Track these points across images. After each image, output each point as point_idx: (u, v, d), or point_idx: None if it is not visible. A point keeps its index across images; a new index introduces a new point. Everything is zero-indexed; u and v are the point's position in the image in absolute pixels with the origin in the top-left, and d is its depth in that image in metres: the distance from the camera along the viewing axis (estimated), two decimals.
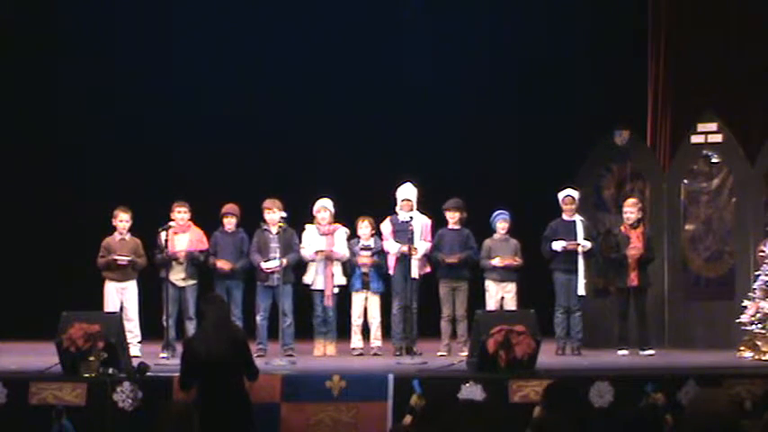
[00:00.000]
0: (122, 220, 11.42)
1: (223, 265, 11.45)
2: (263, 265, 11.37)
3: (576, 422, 6.22)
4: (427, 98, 14.53)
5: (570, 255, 11.67)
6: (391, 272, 11.71)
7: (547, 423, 6.47)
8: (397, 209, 11.73)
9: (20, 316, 13.16)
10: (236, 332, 8.19)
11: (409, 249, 11.11)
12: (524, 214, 12.11)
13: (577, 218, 11.86)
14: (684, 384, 8.82)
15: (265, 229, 11.49)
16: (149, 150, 14.41)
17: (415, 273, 11.40)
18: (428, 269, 11.82)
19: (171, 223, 11.19)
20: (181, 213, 11.47)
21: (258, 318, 11.47)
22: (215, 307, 8.07)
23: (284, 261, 11.15)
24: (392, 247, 11.65)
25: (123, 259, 11.27)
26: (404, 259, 11.42)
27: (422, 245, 11.58)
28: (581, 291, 11.68)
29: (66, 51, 14.57)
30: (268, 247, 11.42)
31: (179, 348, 9.07)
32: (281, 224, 11.20)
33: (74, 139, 14.50)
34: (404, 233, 11.27)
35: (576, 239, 11.70)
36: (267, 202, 11.54)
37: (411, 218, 11.32)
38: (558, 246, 11.67)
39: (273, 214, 11.39)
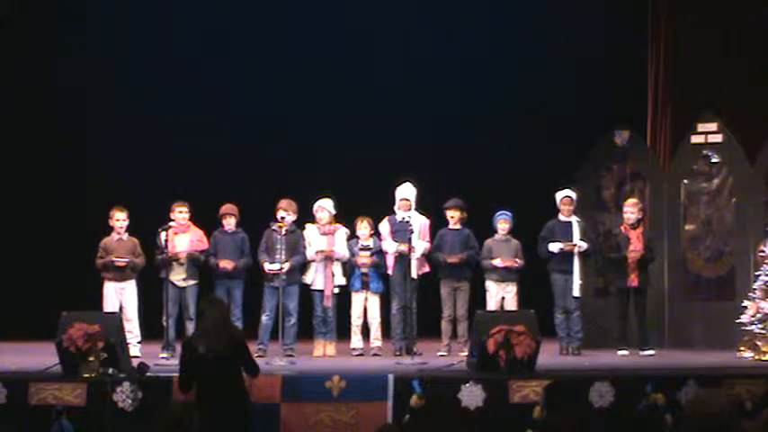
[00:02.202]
0: (119, 219, 11.41)
1: (226, 264, 11.43)
2: (267, 267, 11.36)
3: (575, 422, 6.23)
4: (427, 98, 14.53)
5: (567, 255, 11.66)
6: (390, 272, 11.70)
7: (547, 423, 6.49)
8: (396, 208, 11.72)
9: (20, 316, 13.15)
10: (234, 332, 8.19)
11: (409, 249, 11.10)
12: (524, 215, 12.09)
13: (574, 218, 11.85)
14: (684, 384, 8.80)
15: (274, 230, 11.43)
16: (149, 150, 14.41)
17: (414, 272, 11.40)
18: (427, 269, 11.81)
19: (171, 223, 11.18)
20: (181, 213, 11.46)
21: (264, 317, 11.44)
22: (215, 308, 8.07)
23: (286, 266, 11.14)
24: (390, 247, 11.64)
25: (122, 261, 11.27)
26: (403, 259, 11.41)
27: (420, 244, 11.57)
28: (575, 292, 11.67)
29: (67, 50, 14.56)
30: (275, 247, 11.39)
31: (179, 348, 9.07)
32: (280, 224, 11.20)
33: (74, 139, 14.51)
34: (403, 233, 11.25)
35: (572, 240, 11.69)
36: (283, 203, 11.49)
37: (409, 217, 11.32)
38: (555, 247, 11.65)
39: (286, 215, 11.37)
